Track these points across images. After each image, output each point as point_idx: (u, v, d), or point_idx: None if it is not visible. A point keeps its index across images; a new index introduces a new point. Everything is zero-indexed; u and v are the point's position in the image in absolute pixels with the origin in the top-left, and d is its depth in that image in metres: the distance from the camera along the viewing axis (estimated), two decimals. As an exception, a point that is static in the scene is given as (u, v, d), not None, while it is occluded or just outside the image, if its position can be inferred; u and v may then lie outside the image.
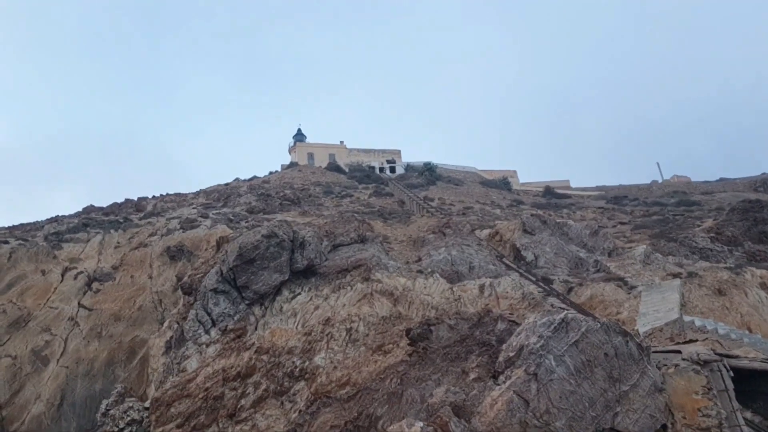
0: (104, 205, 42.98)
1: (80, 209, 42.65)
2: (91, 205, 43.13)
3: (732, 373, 10.72)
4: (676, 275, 22.21)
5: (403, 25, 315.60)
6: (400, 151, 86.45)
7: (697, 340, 13.91)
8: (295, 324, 17.63)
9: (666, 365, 11.07)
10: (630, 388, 10.07)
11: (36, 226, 33.97)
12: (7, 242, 26.13)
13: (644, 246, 27.88)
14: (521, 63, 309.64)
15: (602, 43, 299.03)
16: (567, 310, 14.21)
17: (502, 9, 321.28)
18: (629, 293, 20.62)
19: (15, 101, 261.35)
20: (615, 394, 9.90)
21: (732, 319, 18.44)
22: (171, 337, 18.50)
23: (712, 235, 31.11)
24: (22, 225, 36.01)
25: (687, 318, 16.83)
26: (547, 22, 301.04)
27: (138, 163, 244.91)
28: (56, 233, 30.32)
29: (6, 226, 35.52)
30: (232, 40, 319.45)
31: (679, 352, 11.74)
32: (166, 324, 20.19)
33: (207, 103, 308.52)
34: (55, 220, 36.13)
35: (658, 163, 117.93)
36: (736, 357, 11.52)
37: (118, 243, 29.56)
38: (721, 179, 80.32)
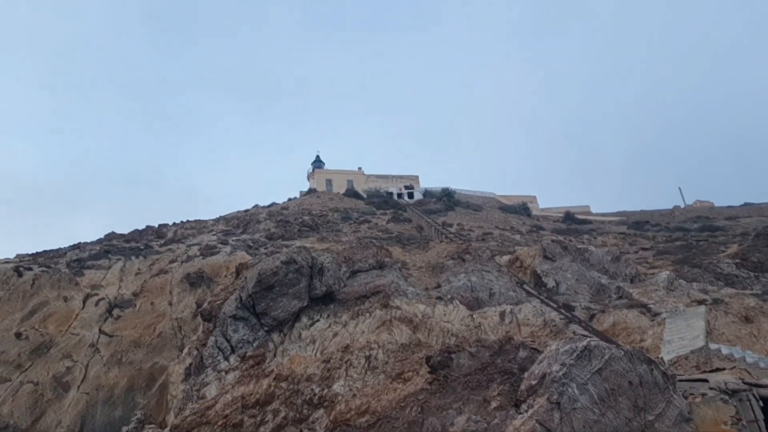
0: (126, 232, 43.56)
1: (102, 236, 43.27)
2: (113, 232, 43.73)
3: (762, 403, 10.49)
4: (700, 302, 21.85)
5: (421, 51, 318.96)
6: (417, 177, 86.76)
7: (724, 369, 13.63)
8: (314, 351, 17.59)
9: (693, 394, 10.85)
10: (656, 418, 9.88)
11: (59, 253, 34.50)
12: (30, 269, 26.54)
13: (667, 272, 27.50)
14: (540, 88, 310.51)
15: (622, 67, 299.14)
16: (589, 337, 14.04)
17: (521, 34, 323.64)
18: (653, 320, 20.32)
19: (42, 132, 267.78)
20: (640, 423, 9.72)
21: (760, 347, 18.05)
22: (190, 364, 18.55)
23: (737, 260, 30.60)
24: (45, 252, 36.58)
25: (713, 346, 16.52)
26: (567, 47, 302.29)
27: (160, 191, 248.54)
28: (78, 260, 30.75)
29: (30, 252, 36.11)
30: (253, 68, 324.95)
31: (705, 380, 11.52)
32: (185, 350, 20.26)
33: (228, 131, 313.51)
34: (78, 246, 36.66)
35: (680, 188, 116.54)
36: (766, 386, 11.27)
37: (139, 270, 29.88)
38: (746, 204, 79.19)
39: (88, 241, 41.20)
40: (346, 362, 16.35)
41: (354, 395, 15.04)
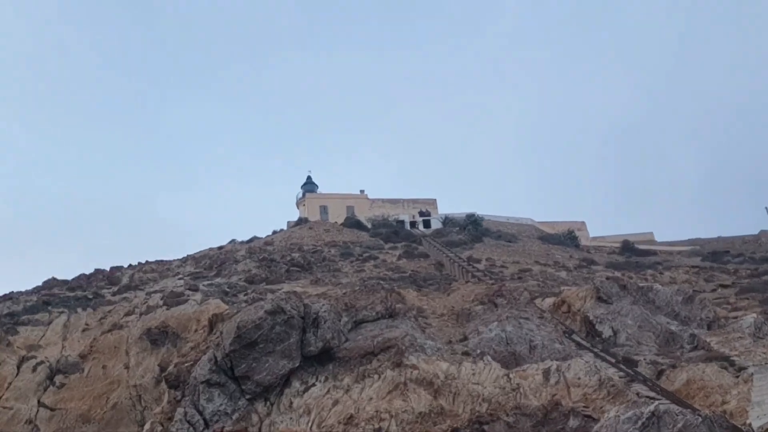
0: (69, 278, 43.76)
1: (40, 283, 43.45)
2: (53, 278, 43.90)
3: None
4: (798, 352, 21.75)
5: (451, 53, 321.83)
6: (435, 201, 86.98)
7: (829, 437, 13.54)
8: (309, 423, 17.60)
9: (791, 470, 10.81)
10: (745, 502, 9.84)
11: (-14, 306, 34.70)
12: (-49, 327, 26.77)
13: (754, 315, 27.36)
14: (590, 95, 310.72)
15: (689, 69, 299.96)
16: (657, 400, 14.02)
17: (567, 36, 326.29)
18: (737, 376, 20.21)
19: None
20: None
21: None
22: (153, 443, 18.57)
23: (843, 298, 30.49)
24: (-32, 305, 36.78)
25: (815, 408, 16.40)
26: (622, 46, 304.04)
27: (115, 223, 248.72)
28: (11, 314, 30.93)
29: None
30: (231, 64, 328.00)
31: (806, 452, 11.47)
32: (147, 426, 20.27)
33: (195, 146, 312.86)
34: (10, 297, 36.84)
35: (767, 209, 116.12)
36: None
37: (87, 325, 30.02)
38: None
39: (23, 290, 41.38)
40: (350, 438, 16.35)
41: (361, 479, 15.03)
